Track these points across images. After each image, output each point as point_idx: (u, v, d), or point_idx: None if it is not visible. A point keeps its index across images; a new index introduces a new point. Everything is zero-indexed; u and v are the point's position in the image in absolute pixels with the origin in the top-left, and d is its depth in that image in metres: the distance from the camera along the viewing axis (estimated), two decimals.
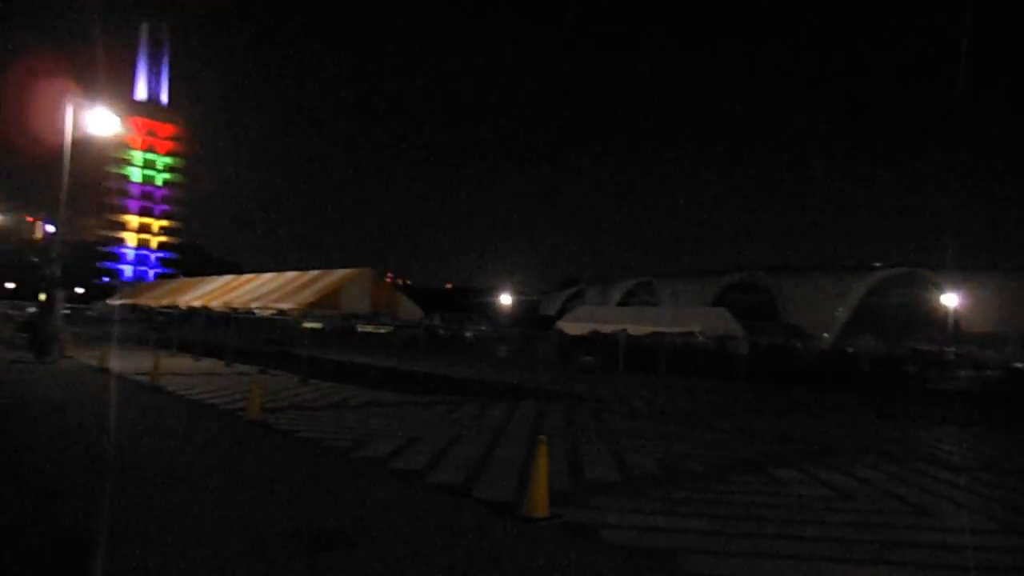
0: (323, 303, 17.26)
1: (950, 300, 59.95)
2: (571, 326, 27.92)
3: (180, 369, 18.29)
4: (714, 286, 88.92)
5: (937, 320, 60.03)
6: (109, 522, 5.16)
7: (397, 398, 14.63)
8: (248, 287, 20.92)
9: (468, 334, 76.98)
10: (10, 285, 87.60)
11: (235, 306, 20.03)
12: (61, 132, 20.98)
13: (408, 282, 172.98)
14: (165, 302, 25.69)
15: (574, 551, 5.08)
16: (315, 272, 19.29)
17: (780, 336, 52.37)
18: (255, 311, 19.19)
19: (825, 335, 71.55)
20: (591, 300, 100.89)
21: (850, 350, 59.20)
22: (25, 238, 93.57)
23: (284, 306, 17.84)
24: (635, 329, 25.02)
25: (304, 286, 18.43)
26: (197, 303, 22.49)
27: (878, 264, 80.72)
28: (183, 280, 30.91)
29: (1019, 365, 47.88)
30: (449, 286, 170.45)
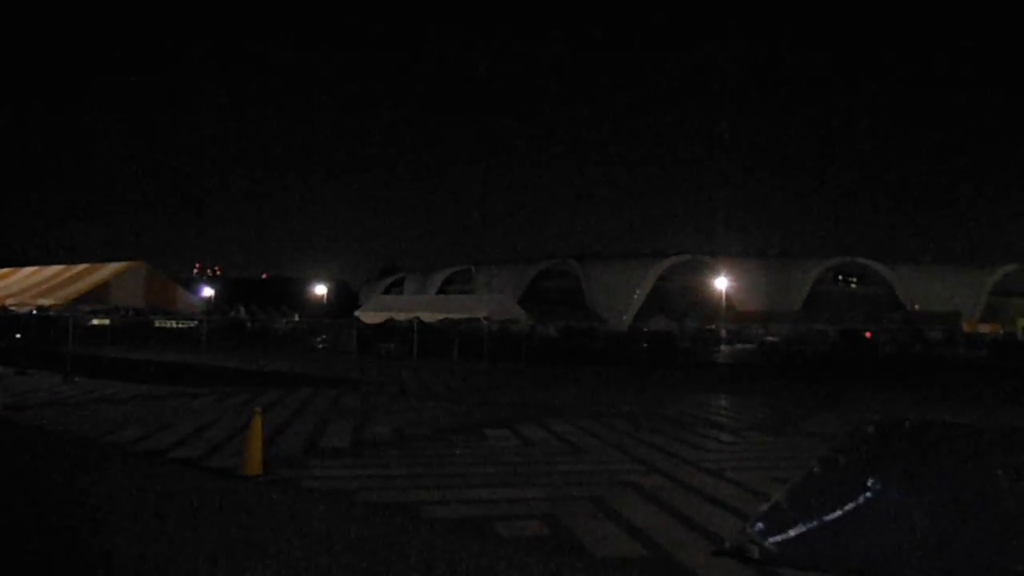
0: (90, 297, 16.84)
1: (722, 283, 68.80)
2: (368, 315, 29.00)
3: None
4: (527, 273, 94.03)
5: (714, 301, 68.70)
6: None
7: (168, 390, 14.80)
8: (4, 282, 19.52)
9: (278, 326, 74.64)
10: None
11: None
12: None
13: (218, 271, 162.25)
14: None
15: (265, 495, 6.25)
16: (83, 266, 18.57)
17: (579, 319, 56.88)
18: (11, 308, 18.09)
19: (623, 317, 78.74)
20: (410, 289, 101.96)
21: (645, 329, 65.97)
22: None
23: (46, 301, 17.10)
24: (427, 316, 26.68)
25: (70, 280, 17.73)
26: None
27: (667, 252, 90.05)
28: None
29: (769, 339, 56.30)
30: (264, 276, 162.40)
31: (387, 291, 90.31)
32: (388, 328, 29.75)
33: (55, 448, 8.39)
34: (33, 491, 6.29)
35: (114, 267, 17.55)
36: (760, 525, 5.52)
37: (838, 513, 5.57)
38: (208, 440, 9.04)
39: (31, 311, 18.16)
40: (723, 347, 55.03)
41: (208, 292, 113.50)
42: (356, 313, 28.81)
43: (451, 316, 26.22)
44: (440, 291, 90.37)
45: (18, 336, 30.84)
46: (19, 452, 8.15)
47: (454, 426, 10.96)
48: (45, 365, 19.80)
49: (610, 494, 6.72)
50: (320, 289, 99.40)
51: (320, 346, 38.57)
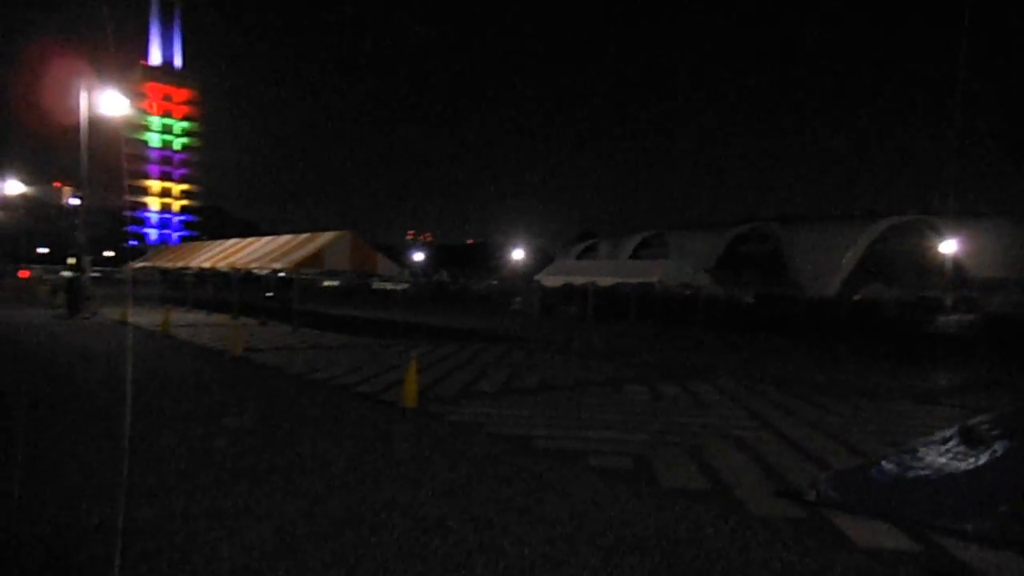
0: (309, 262, 19.99)
1: (949, 247, 61.30)
2: (549, 279, 30.59)
3: (190, 322, 21.27)
4: (723, 237, 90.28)
5: (941, 266, 61.50)
6: (114, 409, 7.95)
7: (367, 341, 17.40)
8: (249, 250, 23.75)
9: (477, 288, 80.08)
10: (43, 250, 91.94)
11: (238, 267, 22.89)
12: (77, 110, 23.62)
13: (429, 238, 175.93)
14: (180, 264, 28.69)
15: (415, 422, 7.78)
16: (304, 235, 22.02)
17: (778, 286, 54.30)
18: (254, 271, 22.03)
19: (830, 284, 73.17)
20: (604, 253, 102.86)
21: (856, 297, 61.04)
22: (54, 204, 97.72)
23: (277, 266, 20.62)
24: (602, 281, 27.61)
25: (294, 248, 21.18)
26: (207, 264, 25.41)
27: (884, 212, 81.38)
28: (197, 243, 33.86)
29: (994, 311, 49.54)
30: (470, 242, 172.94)
31: (581, 256, 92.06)
32: (568, 291, 31.16)
33: (272, 378, 10.75)
34: (259, 404, 8.40)
35: (327, 236, 20.64)
36: (830, 476, 6.01)
37: (900, 474, 5.89)
38: (385, 381, 10.92)
39: (268, 273, 21.97)
40: (942, 318, 49.47)
41: (418, 257, 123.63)
42: (536, 277, 30.50)
43: (626, 280, 26.89)
44: (633, 256, 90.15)
45: (270, 295, 36.79)
46: (250, 379, 10.59)
47: (597, 380, 11.96)
48: (279, 318, 23.84)
49: (708, 443, 7.37)
50: (518, 254, 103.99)
51: (516, 307, 41.32)
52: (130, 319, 20.42)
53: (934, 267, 64.18)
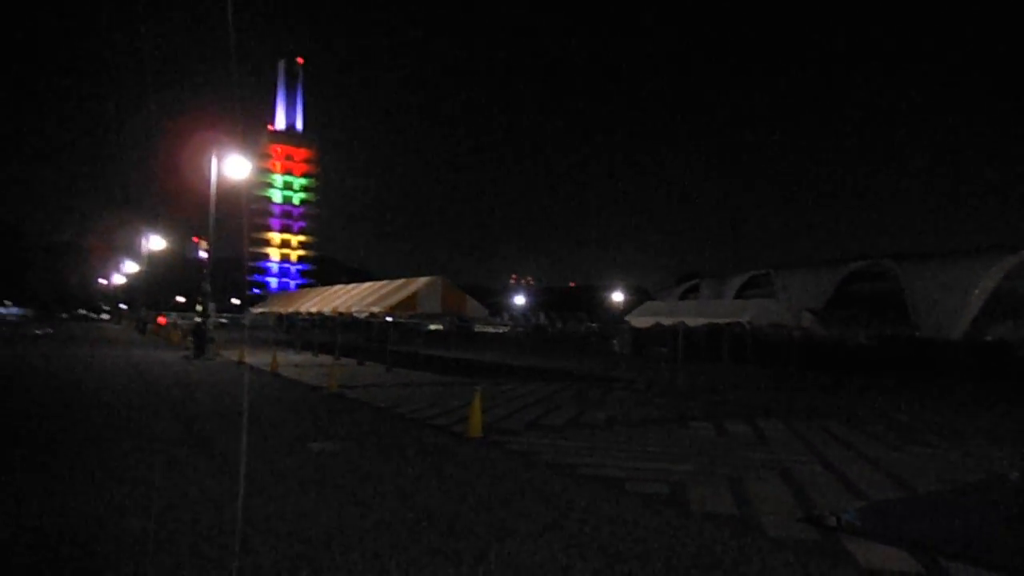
0: (403, 305, 21.33)
1: None
2: (638, 320, 30.65)
3: (297, 362, 23.09)
4: (834, 275, 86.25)
5: None
6: (224, 433, 9.13)
7: (453, 380, 18.33)
8: (350, 295, 25.54)
9: (575, 330, 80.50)
10: (181, 298, 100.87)
11: (340, 311, 24.66)
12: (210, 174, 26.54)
13: (531, 282, 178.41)
14: (291, 309, 31.10)
15: (483, 451, 8.45)
16: (400, 281, 23.49)
17: (895, 326, 51.42)
18: (354, 314, 23.68)
19: (956, 324, 67.99)
20: (705, 294, 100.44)
21: (988, 338, 56.58)
22: (190, 257, 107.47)
23: (375, 309, 22.11)
24: (691, 321, 27.42)
25: (390, 293, 22.63)
26: (314, 309, 27.48)
27: (1014, 246, 75.08)
28: (308, 290, 36.55)
29: None
30: (572, 285, 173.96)
31: (683, 297, 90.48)
32: (659, 332, 31.07)
33: (358, 411, 11.78)
34: (341, 432, 9.37)
35: (420, 281, 21.96)
36: (856, 506, 6.18)
37: (923, 505, 6.00)
38: (459, 414, 11.67)
39: (366, 316, 23.56)
40: None
41: (519, 300, 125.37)
42: (627, 318, 30.67)
43: (714, 320, 26.61)
44: (737, 296, 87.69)
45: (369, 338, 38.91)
46: (342, 411, 11.65)
47: (665, 417, 12.19)
48: (376, 358, 25.34)
49: (751, 475, 7.57)
50: (617, 296, 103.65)
51: (613, 349, 41.58)
52: (246, 359, 22.45)
53: None
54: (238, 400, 13.06)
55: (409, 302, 21.26)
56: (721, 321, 27.01)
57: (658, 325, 29.75)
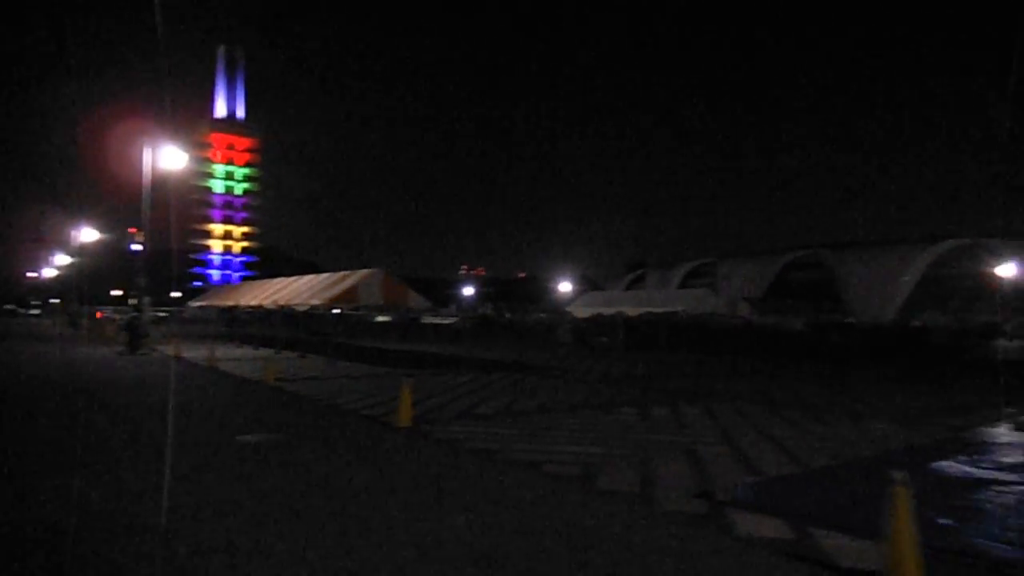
0: (343, 298, 21.42)
1: (1008, 270, 59.30)
2: (580, 310, 31.37)
3: (236, 356, 22.89)
4: (774, 264, 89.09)
5: (999, 291, 59.39)
6: (154, 420, 9.19)
7: (390, 371, 18.53)
8: (290, 288, 25.40)
9: (522, 320, 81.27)
10: (117, 292, 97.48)
11: (281, 304, 24.53)
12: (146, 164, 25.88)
13: (481, 272, 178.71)
14: (231, 303, 30.69)
15: (409, 440, 8.75)
16: (340, 274, 23.52)
17: (828, 313, 53.49)
18: (295, 307, 23.59)
19: (885, 311, 71.13)
20: (651, 283, 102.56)
21: (917, 324, 59.42)
22: (126, 250, 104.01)
23: (315, 302, 22.11)
24: (630, 311, 28.22)
25: (330, 286, 22.67)
26: (255, 303, 27.21)
27: (940, 236, 78.91)
28: (249, 283, 36.05)
29: None
30: (522, 275, 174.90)
31: (629, 286, 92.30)
32: (600, 321, 31.82)
33: (293, 403, 11.92)
34: (273, 423, 9.53)
35: (360, 274, 22.07)
36: (747, 482, 6.74)
37: (805, 483, 6.60)
38: (392, 405, 11.91)
39: (307, 309, 23.51)
40: (1002, 343, 47.71)
41: (468, 291, 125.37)
42: (568, 308, 31.34)
43: (651, 310, 27.46)
44: (682, 285, 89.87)
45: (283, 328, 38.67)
46: (276, 404, 11.78)
47: (594, 403, 12.71)
48: (319, 352, 25.27)
49: (661, 456, 8.09)
50: (564, 286, 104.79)
51: (558, 339, 42.33)
52: (184, 354, 22.15)
53: (995, 292, 61.93)
54: (169, 394, 13.02)
55: (349, 295, 21.37)
56: (658, 310, 27.94)
57: (599, 315, 30.53)
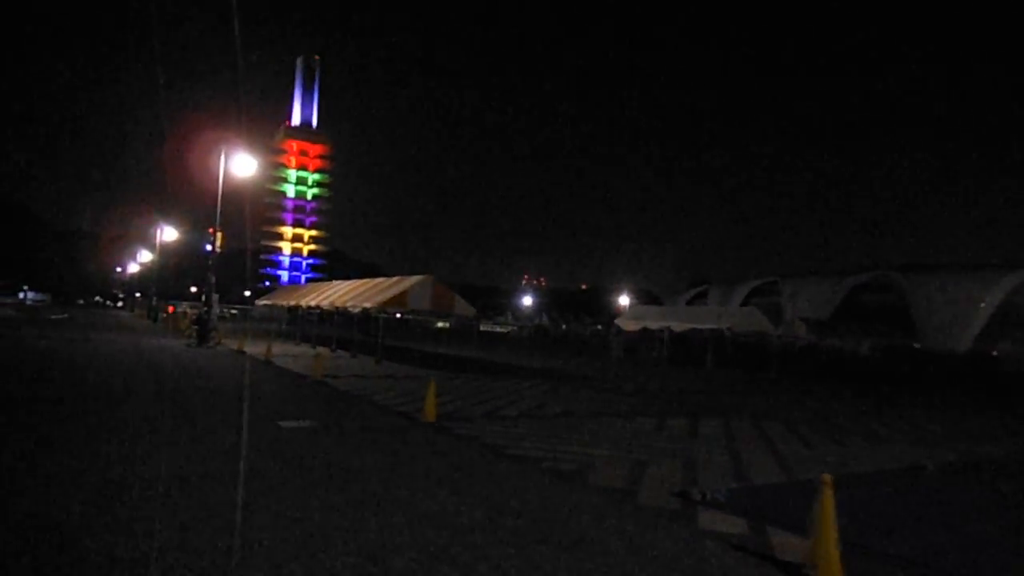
0: (394, 303, 22.49)
1: None
2: (627, 323, 31.68)
3: (294, 353, 24.30)
4: (842, 286, 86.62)
5: None
6: (200, 407, 10.30)
7: (436, 374, 19.44)
8: (346, 291, 26.74)
9: (579, 331, 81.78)
10: (194, 288, 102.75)
11: (337, 305, 25.86)
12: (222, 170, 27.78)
13: (543, 283, 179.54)
14: (294, 302, 32.36)
15: (430, 433, 9.56)
16: (393, 279, 24.68)
17: (901, 339, 52.16)
18: (348, 309, 24.87)
19: (961, 338, 68.14)
20: (713, 300, 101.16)
21: (995, 353, 56.98)
22: (202, 248, 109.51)
23: (367, 305, 23.29)
24: (676, 326, 28.42)
25: (383, 290, 23.82)
26: (313, 303, 28.70)
27: (1021, 262, 75.05)
28: (312, 285, 37.81)
29: None
30: (584, 286, 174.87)
31: (691, 302, 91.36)
32: (647, 335, 32.06)
33: (336, 398, 12.93)
34: (314, 413, 10.51)
35: (411, 280, 23.10)
36: (732, 487, 7.27)
37: (782, 491, 7.09)
38: (422, 403, 12.79)
39: (360, 311, 24.74)
40: None
41: (527, 300, 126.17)
42: (616, 321, 31.71)
43: (696, 326, 27.59)
44: (745, 303, 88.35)
45: (348, 331, 40.21)
46: (320, 397, 12.81)
47: (616, 412, 13.25)
48: (370, 352, 26.50)
49: (658, 460, 8.62)
50: (624, 299, 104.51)
51: (612, 351, 42.76)
52: (246, 349, 23.70)
53: None
54: (228, 383, 14.26)
55: (400, 299, 22.42)
56: (703, 327, 28.02)
57: (645, 329, 30.80)
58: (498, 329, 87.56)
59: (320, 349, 27.35)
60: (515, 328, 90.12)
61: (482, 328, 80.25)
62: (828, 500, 4.79)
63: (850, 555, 5.00)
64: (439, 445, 8.73)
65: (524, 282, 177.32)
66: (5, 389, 11.69)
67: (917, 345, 53.39)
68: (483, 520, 5.57)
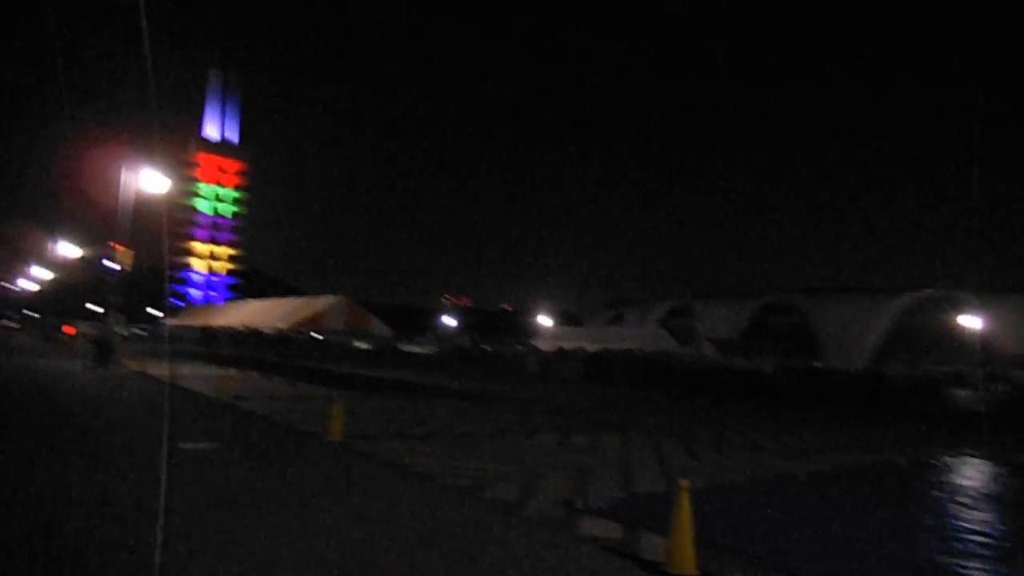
0: (308, 323, 22.32)
1: (972, 321, 61.18)
2: (543, 343, 32.39)
3: (202, 374, 23.65)
4: (750, 308, 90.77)
5: (967, 342, 61.18)
6: (92, 428, 10.06)
7: (348, 394, 19.40)
8: (258, 310, 26.30)
9: (497, 351, 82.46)
10: (95, 308, 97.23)
11: (248, 325, 25.38)
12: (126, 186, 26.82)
13: (466, 303, 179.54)
14: (204, 323, 31.47)
15: (335, 452, 9.70)
16: (306, 298, 24.48)
17: (802, 359, 55.12)
18: (261, 329, 24.46)
19: (857, 357, 72.62)
20: (630, 321, 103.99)
21: (881, 371, 61.01)
22: (105, 266, 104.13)
23: (281, 325, 23.00)
24: (589, 346, 29.31)
25: (296, 310, 23.59)
26: (225, 323, 28.04)
27: (908, 286, 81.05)
28: (224, 305, 36.82)
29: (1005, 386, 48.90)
30: (506, 307, 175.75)
31: (611, 322, 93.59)
32: (561, 355, 32.85)
33: (243, 419, 12.82)
34: (217, 434, 10.44)
35: (325, 300, 23.01)
36: (616, 496, 7.77)
37: (652, 500, 7.65)
38: (325, 423, 12.88)
39: (273, 333, 24.39)
40: (960, 392, 49.13)
41: (449, 321, 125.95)
42: (532, 341, 32.37)
43: (608, 346, 28.57)
44: (662, 324, 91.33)
45: (257, 351, 39.52)
46: (226, 418, 12.66)
47: (522, 430, 13.70)
48: (283, 373, 26.08)
49: (555, 474, 9.10)
50: (544, 320, 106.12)
51: (532, 370, 43.42)
52: (149, 370, 22.90)
53: (962, 342, 63.66)
54: (128, 407, 13.87)
55: (315, 319, 22.29)
56: (613, 346, 29.06)
57: (560, 348, 31.59)
58: (418, 350, 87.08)
59: (231, 371, 26.69)
60: (435, 349, 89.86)
61: (403, 348, 79.69)
62: (684, 503, 5.33)
63: (707, 553, 5.57)
64: (341, 462, 8.91)
65: (447, 302, 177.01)
66: None
67: (818, 364, 56.68)
68: (373, 532, 5.85)
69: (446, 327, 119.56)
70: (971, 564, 6.31)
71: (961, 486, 10.64)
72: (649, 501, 7.83)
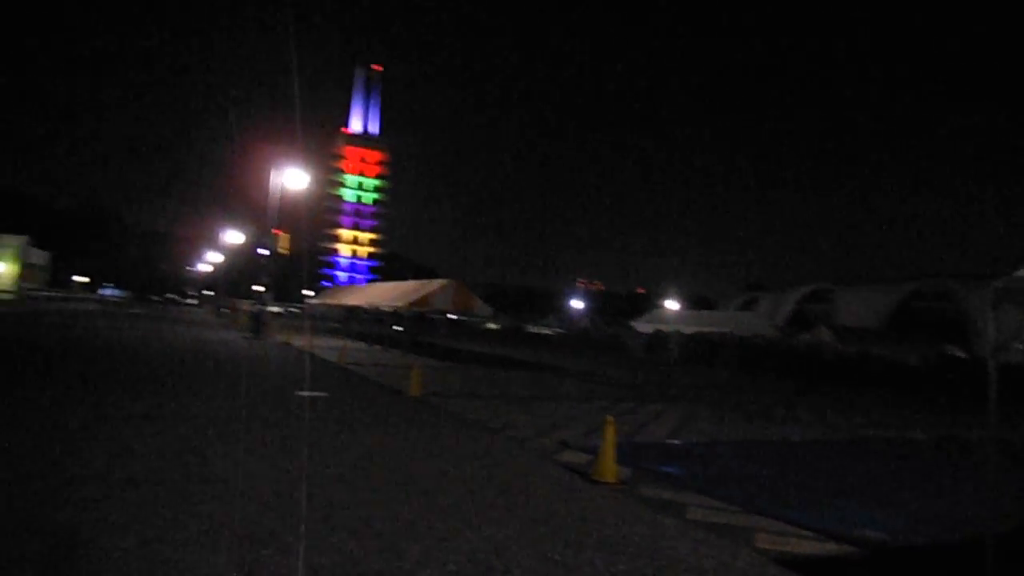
0: (419, 303, 25.59)
1: None
2: (642, 326, 34.02)
3: (333, 346, 27.71)
4: (896, 294, 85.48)
5: None
6: (238, 378, 13.49)
7: (447, 365, 22.39)
8: (380, 292, 30.06)
9: (618, 334, 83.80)
10: (258, 288, 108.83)
11: (374, 304, 29.18)
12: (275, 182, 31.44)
13: (599, 286, 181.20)
14: (338, 302, 35.99)
15: (415, 407, 12.50)
16: (420, 281, 27.83)
17: (956, 350, 53.32)
18: (381, 308, 28.12)
19: (1014, 350, 66.76)
20: (764, 306, 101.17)
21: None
22: (265, 251, 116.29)
23: (398, 304, 26.47)
24: (686, 329, 30.67)
25: (411, 292, 26.98)
26: (354, 303, 32.17)
27: None
28: (357, 286, 41.41)
29: None
30: (640, 290, 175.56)
31: (743, 307, 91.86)
32: (660, 337, 34.31)
33: (352, 380, 16.02)
34: (327, 387, 13.57)
35: (435, 283, 26.19)
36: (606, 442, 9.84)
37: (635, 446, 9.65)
38: (430, 389, 15.70)
39: (392, 311, 27.97)
40: None
41: (577, 304, 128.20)
42: (632, 323, 34.05)
43: (702, 329, 29.76)
44: (797, 310, 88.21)
45: (398, 328, 43.81)
46: (339, 377, 15.91)
47: (579, 396, 15.91)
48: (399, 346, 29.69)
49: (575, 425, 11.31)
50: (671, 304, 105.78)
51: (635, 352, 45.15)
52: (292, 342, 27.24)
53: None
54: (270, 365, 17.55)
55: (424, 300, 25.51)
56: (709, 330, 30.17)
57: (659, 331, 33.07)
58: (544, 331, 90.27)
59: (359, 343, 30.75)
60: (560, 331, 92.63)
61: (529, 330, 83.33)
62: (610, 430, 7.45)
63: (638, 473, 7.66)
64: (412, 410, 11.64)
65: (580, 286, 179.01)
66: (114, 364, 15.24)
67: (961, 355, 53.72)
68: (412, 446, 8.45)
69: (573, 310, 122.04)
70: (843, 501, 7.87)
71: None
72: (635, 447, 9.86)
